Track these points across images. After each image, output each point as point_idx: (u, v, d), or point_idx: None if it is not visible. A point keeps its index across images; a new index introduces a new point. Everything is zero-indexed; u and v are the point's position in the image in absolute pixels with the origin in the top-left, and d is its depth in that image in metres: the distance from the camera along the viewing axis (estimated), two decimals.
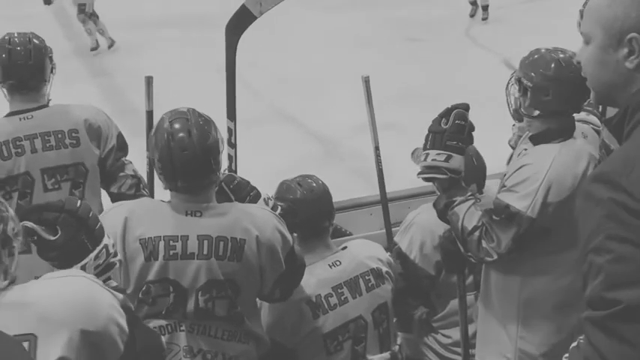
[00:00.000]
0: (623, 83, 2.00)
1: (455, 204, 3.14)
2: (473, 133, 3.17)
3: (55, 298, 1.91)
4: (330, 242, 3.36)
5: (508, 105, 3.29)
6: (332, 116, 8.56)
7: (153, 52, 10.21)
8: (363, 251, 3.42)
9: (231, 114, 3.89)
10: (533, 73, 3.15)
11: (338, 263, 3.30)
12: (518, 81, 3.20)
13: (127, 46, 10.71)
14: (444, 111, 3.17)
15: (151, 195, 4.11)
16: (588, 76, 2.06)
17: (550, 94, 3.13)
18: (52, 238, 2.31)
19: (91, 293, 1.96)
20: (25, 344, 1.83)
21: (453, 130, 3.12)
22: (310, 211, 3.27)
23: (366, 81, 4.56)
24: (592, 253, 1.84)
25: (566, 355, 1.99)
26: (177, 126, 2.89)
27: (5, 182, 3.63)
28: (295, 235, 3.19)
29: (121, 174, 3.85)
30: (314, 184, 3.32)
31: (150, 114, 4.31)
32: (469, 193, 3.17)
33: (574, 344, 1.96)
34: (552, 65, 3.14)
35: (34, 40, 3.75)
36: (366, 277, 3.33)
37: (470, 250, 3.12)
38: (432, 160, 3.14)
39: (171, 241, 2.85)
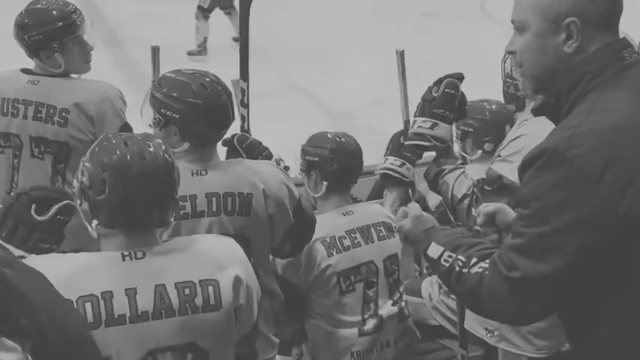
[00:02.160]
0: (563, 68, 2.00)
1: (444, 173, 3.12)
2: (465, 105, 3.17)
3: (223, 251, 2.32)
4: (348, 197, 3.62)
5: (507, 80, 3.30)
6: (347, 90, 8.60)
7: (167, 23, 10.22)
8: (373, 208, 3.73)
9: (244, 74, 3.91)
10: None
11: (351, 212, 3.57)
12: None
13: (141, 18, 10.70)
14: (437, 80, 3.15)
15: None
16: (526, 65, 2.05)
17: None
18: (38, 217, 2.43)
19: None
20: (210, 289, 2.20)
21: (441, 99, 3.09)
22: (347, 163, 3.52)
23: (401, 54, 4.52)
24: (530, 217, 1.93)
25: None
26: (202, 78, 2.89)
27: (1, 137, 3.68)
28: (325, 183, 3.43)
29: None
30: (352, 140, 3.59)
31: None
32: (459, 162, 3.18)
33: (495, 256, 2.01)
34: None
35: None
36: (378, 228, 3.60)
37: (460, 219, 3.11)
38: (418, 127, 3.12)
39: (180, 202, 2.78)
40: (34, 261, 2.10)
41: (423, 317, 4.06)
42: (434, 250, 2.18)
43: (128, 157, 2.21)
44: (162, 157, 2.26)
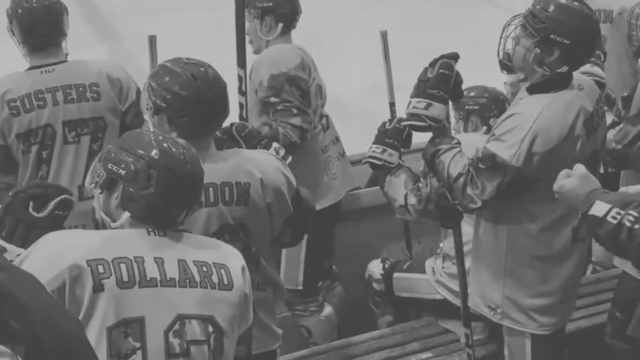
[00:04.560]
0: None
1: (440, 152, 3.16)
2: (461, 85, 3.19)
3: (228, 247, 2.46)
4: None
5: (499, 48, 3.21)
6: (345, 73, 8.58)
7: (162, 15, 10.20)
8: None
9: (241, 61, 3.92)
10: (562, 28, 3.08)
11: None
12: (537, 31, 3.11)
13: (136, 9, 10.67)
14: (432, 60, 3.18)
15: None
16: None
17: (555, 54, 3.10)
18: (37, 214, 2.43)
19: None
20: (222, 271, 2.32)
21: (436, 79, 3.12)
22: None
23: (384, 36, 4.52)
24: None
25: None
26: (196, 67, 2.86)
27: (25, 136, 3.64)
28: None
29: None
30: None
31: None
32: (455, 141, 3.20)
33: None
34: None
35: None
36: None
37: (456, 198, 3.14)
38: (413, 107, 3.16)
39: None
40: (61, 235, 2.30)
41: (428, 292, 4.09)
42: (599, 208, 2.21)
43: (174, 157, 2.36)
44: (199, 163, 2.43)
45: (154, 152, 2.35)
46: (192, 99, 2.80)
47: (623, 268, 3.69)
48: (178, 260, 2.30)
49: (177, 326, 2.25)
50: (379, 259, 4.37)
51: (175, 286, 2.27)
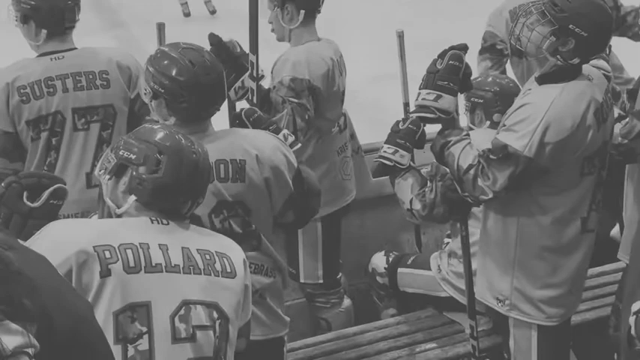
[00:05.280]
0: None
1: (450, 144, 3.16)
2: (470, 76, 3.19)
3: (230, 240, 2.48)
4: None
5: (513, 36, 3.22)
6: (349, 67, 8.56)
7: (170, 1, 10.16)
8: None
9: (254, 48, 3.91)
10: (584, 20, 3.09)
11: None
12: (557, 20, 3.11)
13: None
14: (441, 52, 3.19)
15: None
16: None
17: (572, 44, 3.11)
18: (31, 204, 2.44)
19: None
20: (224, 259, 2.34)
21: (445, 71, 3.13)
22: None
23: (400, 36, 4.49)
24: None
25: None
26: (193, 53, 2.87)
27: (35, 122, 3.64)
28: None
29: (148, 117, 3.79)
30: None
31: None
32: (464, 133, 3.20)
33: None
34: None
35: None
36: None
37: (466, 190, 3.14)
38: (422, 99, 3.17)
39: None
40: (67, 222, 2.37)
41: (433, 289, 4.09)
42: None
43: (184, 147, 2.40)
44: (207, 159, 2.47)
45: (165, 140, 2.40)
46: (189, 85, 2.82)
47: (627, 262, 3.70)
48: (182, 248, 2.32)
49: (182, 311, 2.27)
50: (382, 252, 4.37)
51: (180, 272, 2.29)
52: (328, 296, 4.33)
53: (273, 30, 4.14)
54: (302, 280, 4.28)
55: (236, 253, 2.41)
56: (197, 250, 2.34)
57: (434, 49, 3.30)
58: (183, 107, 2.83)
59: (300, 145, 3.25)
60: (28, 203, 2.44)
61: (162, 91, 2.83)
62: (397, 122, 3.36)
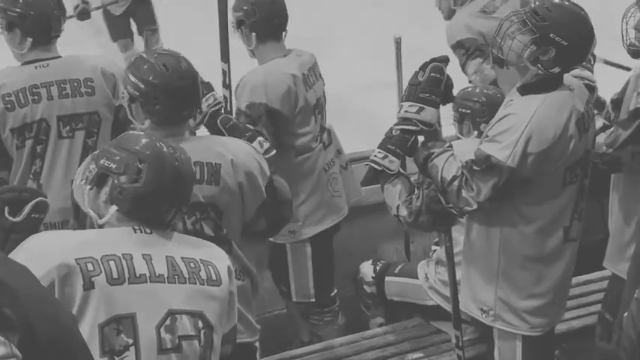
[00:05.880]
0: None
1: (433, 156, 3.17)
2: (452, 88, 3.21)
3: (214, 246, 2.47)
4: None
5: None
6: (340, 74, 8.56)
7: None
8: None
9: (225, 56, 3.93)
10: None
11: None
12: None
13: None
14: (423, 64, 3.20)
15: None
16: None
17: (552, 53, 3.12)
18: (13, 219, 2.42)
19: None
20: (210, 267, 2.33)
21: (427, 83, 3.15)
22: None
23: (397, 42, 4.50)
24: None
25: None
26: (168, 58, 2.94)
27: (20, 130, 3.63)
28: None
29: (132, 125, 3.85)
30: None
31: None
32: (447, 144, 3.21)
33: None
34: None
35: None
36: None
37: (450, 201, 3.14)
38: (405, 111, 3.18)
39: None
40: (48, 235, 2.33)
41: (421, 297, 4.10)
42: None
43: (165, 154, 2.37)
44: (191, 166, 2.46)
45: (145, 148, 2.38)
46: (163, 88, 2.89)
47: (613, 270, 3.71)
48: (166, 257, 2.31)
49: (168, 322, 2.27)
50: (370, 261, 4.37)
51: (164, 282, 2.28)
52: (322, 314, 4.33)
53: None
54: (294, 299, 4.27)
55: (221, 261, 2.41)
56: (182, 258, 2.33)
57: (429, 56, 3.30)
58: (157, 109, 2.90)
59: (275, 151, 3.26)
60: (10, 218, 2.42)
61: (138, 94, 2.90)
62: (391, 128, 3.37)
